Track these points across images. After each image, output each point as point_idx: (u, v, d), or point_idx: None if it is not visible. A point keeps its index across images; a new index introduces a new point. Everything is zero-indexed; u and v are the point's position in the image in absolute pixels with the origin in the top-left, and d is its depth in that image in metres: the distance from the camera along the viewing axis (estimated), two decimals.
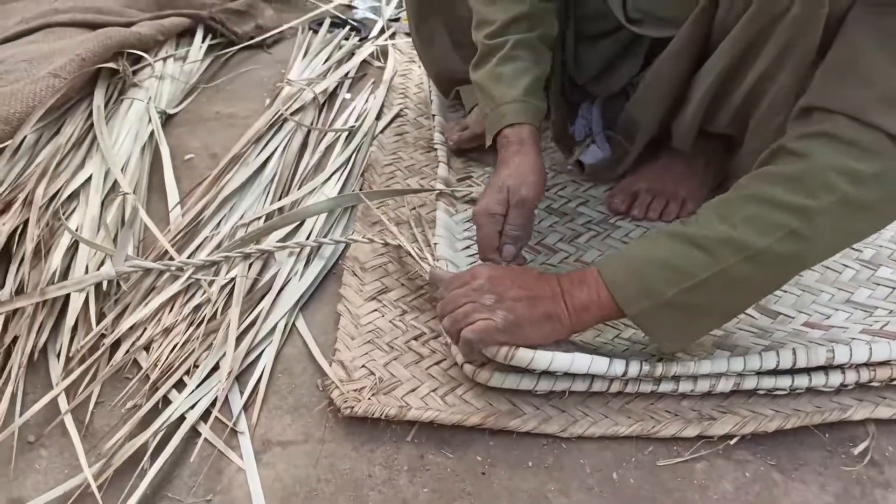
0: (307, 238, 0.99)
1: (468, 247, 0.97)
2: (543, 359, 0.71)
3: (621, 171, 1.04)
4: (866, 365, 0.74)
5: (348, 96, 1.39)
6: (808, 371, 0.74)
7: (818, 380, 0.74)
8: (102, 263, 0.95)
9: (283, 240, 0.99)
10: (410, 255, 0.91)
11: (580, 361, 0.72)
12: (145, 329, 0.87)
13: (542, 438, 0.74)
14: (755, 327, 0.82)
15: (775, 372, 0.74)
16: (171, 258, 0.96)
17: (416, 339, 0.85)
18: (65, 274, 0.94)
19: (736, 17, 0.75)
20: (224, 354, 0.83)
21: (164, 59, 1.46)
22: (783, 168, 0.66)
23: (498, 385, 0.75)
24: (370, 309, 0.89)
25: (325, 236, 1.01)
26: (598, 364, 0.72)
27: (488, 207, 0.84)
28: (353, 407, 0.75)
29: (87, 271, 0.93)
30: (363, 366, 0.81)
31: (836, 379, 0.74)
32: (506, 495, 0.70)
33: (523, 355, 0.71)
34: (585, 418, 0.75)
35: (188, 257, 0.96)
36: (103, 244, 0.96)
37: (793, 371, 0.74)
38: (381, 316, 0.88)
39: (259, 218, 1.04)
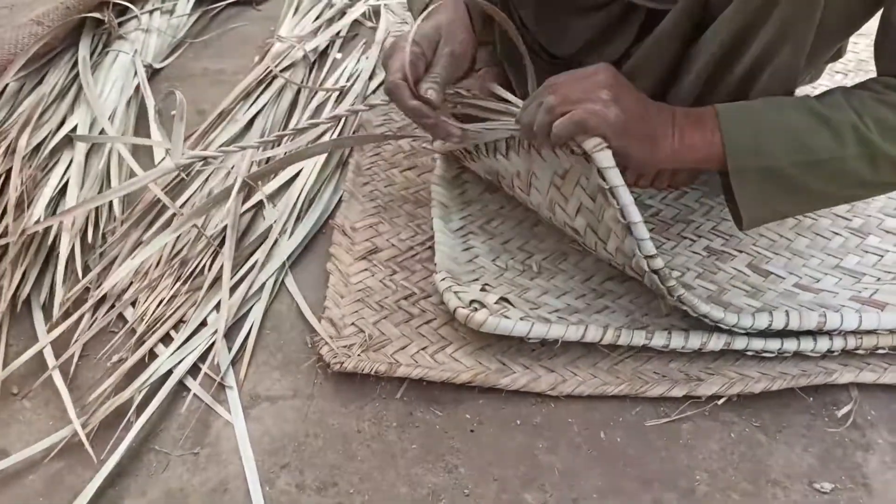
0: (299, 195, 0.97)
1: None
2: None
3: None
4: (854, 332, 0.74)
5: (339, 56, 1.36)
6: (796, 335, 0.75)
7: (806, 344, 0.74)
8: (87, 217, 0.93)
9: (279, 191, 0.98)
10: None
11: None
12: (131, 283, 0.85)
13: (531, 398, 0.75)
14: (748, 285, 0.82)
15: (764, 334, 0.75)
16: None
17: (406, 298, 0.84)
18: None
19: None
20: (214, 308, 0.82)
21: (151, 13, 1.42)
22: None
23: (491, 330, 0.74)
24: (360, 268, 0.88)
25: (317, 193, 1.00)
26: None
27: (410, 39, 0.74)
28: (342, 363, 0.75)
29: (73, 221, 0.91)
30: (353, 323, 0.81)
31: (823, 344, 0.74)
32: (494, 452, 0.70)
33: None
34: (574, 377, 0.75)
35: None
36: (90, 194, 0.95)
37: (782, 334, 0.75)
38: (372, 275, 0.87)
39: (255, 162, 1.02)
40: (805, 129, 0.67)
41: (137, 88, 1.21)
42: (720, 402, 0.73)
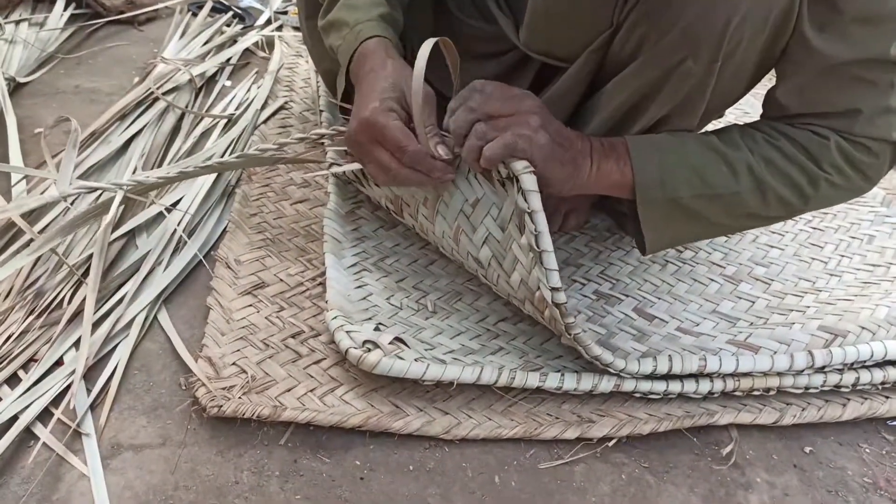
0: (178, 225, 0.90)
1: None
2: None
3: None
4: (732, 375, 0.78)
5: (229, 83, 1.31)
6: (680, 377, 0.77)
7: (689, 386, 0.77)
8: None
9: (156, 220, 0.90)
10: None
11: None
12: None
13: (424, 442, 0.72)
14: (634, 328, 0.84)
15: (651, 376, 0.76)
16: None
17: (293, 336, 0.79)
18: None
19: (628, 60, 0.76)
20: (73, 345, 0.73)
21: (17, 23, 1.30)
22: (803, 138, 0.73)
23: (385, 371, 0.71)
24: (244, 304, 0.83)
25: (199, 223, 0.93)
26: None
27: (382, 106, 0.71)
28: (220, 406, 0.69)
29: None
30: (234, 363, 0.75)
31: (705, 386, 0.77)
32: (385, 501, 0.66)
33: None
34: (469, 420, 0.73)
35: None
36: None
37: (667, 377, 0.77)
38: (257, 312, 0.82)
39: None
40: (706, 166, 0.73)
41: None
42: (611, 443, 0.74)
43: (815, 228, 1.07)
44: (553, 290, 0.68)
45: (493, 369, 0.73)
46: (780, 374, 0.78)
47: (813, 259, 1.00)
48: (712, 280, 0.95)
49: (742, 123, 0.78)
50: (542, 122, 0.70)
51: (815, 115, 0.74)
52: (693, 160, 0.73)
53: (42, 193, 0.85)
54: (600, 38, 0.77)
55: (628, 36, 0.75)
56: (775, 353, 0.80)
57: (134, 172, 0.99)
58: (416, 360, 0.74)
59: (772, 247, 1.02)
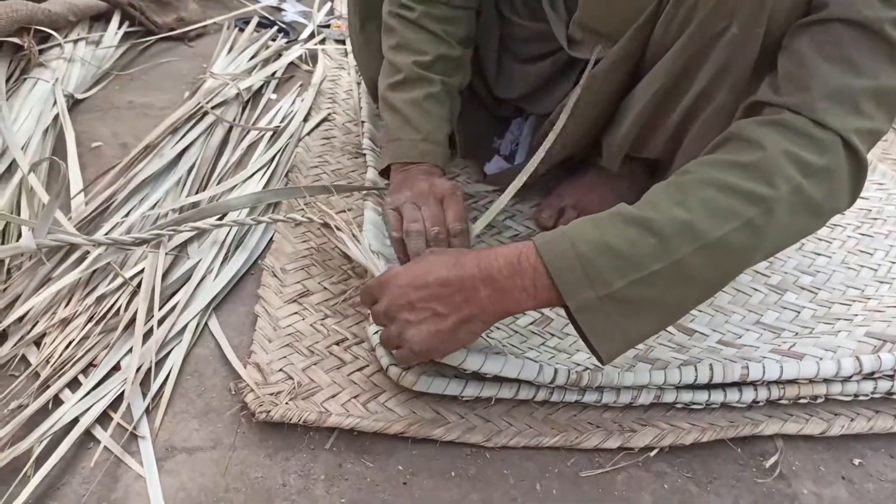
0: (227, 234, 0.93)
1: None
2: (475, 361, 0.70)
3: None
4: (776, 383, 0.77)
5: (274, 96, 1.34)
6: (723, 387, 0.76)
7: (732, 395, 0.76)
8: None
9: (201, 235, 0.93)
10: (338, 229, 0.90)
11: (511, 367, 0.71)
12: (37, 322, 0.79)
13: (465, 448, 0.73)
14: (673, 343, 0.84)
15: (692, 386, 0.76)
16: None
17: (337, 343, 0.81)
18: None
19: (674, 37, 0.76)
20: (129, 351, 0.76)
21: (76, 42, 1.36)
22: (737, 156, 0.63)
23: (423, 390, 0.73)
24: (290, 311, 0.85)
25: (247, 233, 0.96)
26: (529, 370, 0.71)
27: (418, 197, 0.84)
28: (268, 411, 0.71)
29: None
30: (281, 369, 0.77)
31: (748, 395, 0.76)
32: None
33: (455, 356, 0.70)
34: (510, 428, 0.74)
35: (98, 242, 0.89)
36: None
37: (709, 386, 0.76)
38: (302, 319, 0.84)
39: (174, 210, 0.97)
40: (625, 243, 0.61)
41: (56, 119, 1.15)
42: (652, 453, 0.73)
43: (863, 235, 1.05)
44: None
45: (530, 386, 0.74)
46: (827, 381, 0.77)
47: (861, 266, 0.98)
48: (756, 290, 0.93)
49: (665, 181, 0.66)
50: (399, 325, 0.68)
51: (777, 88, 0.66)
52: (611, 240, 0.61)
53: (17, 242, 0.85)
54: (647, 11, 0.77)
55: (675, 11, 0.75)
56: (821, 359, 0.79)
57: (182, 184, 1.03)
58: (455, 376, 0.75)
59: (819, 254, 1.00)
